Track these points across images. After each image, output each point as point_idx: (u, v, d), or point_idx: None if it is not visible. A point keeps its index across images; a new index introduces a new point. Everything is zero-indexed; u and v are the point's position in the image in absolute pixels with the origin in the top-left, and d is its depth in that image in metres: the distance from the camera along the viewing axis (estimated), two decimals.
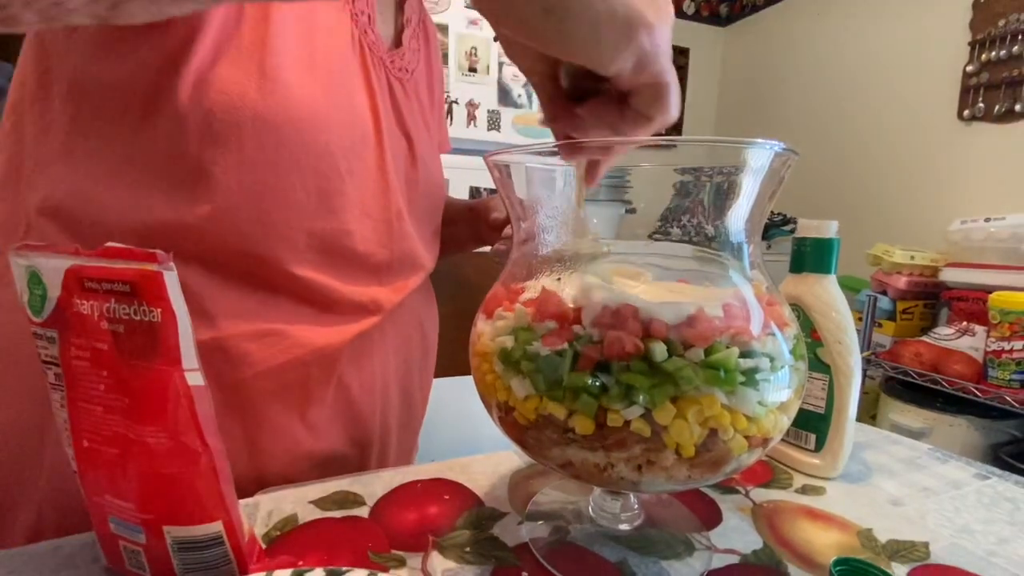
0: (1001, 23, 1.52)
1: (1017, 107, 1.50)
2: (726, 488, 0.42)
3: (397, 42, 0.52)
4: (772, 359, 0.25)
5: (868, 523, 0.38)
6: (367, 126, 0.45)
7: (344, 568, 0.27)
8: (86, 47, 0.38)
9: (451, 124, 1.31)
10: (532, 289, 0.30)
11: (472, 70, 1.33)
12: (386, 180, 0.47)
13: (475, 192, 1.37)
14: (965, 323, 1.32)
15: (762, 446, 0.26)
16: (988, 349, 1.17)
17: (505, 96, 1.37)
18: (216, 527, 0.26)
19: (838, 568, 0.30)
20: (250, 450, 0.42)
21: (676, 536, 0.35)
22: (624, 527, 0.35)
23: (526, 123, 1.36)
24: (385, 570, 0.31)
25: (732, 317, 0.25)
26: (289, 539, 0.34)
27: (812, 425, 0.45)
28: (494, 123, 1.35)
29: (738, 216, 0.25)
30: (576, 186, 0.28)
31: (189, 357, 0.23)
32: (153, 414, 0.24)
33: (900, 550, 0.35)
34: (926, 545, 0.35)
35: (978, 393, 1.17)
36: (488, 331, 0.30)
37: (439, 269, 0.88)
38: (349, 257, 0.45)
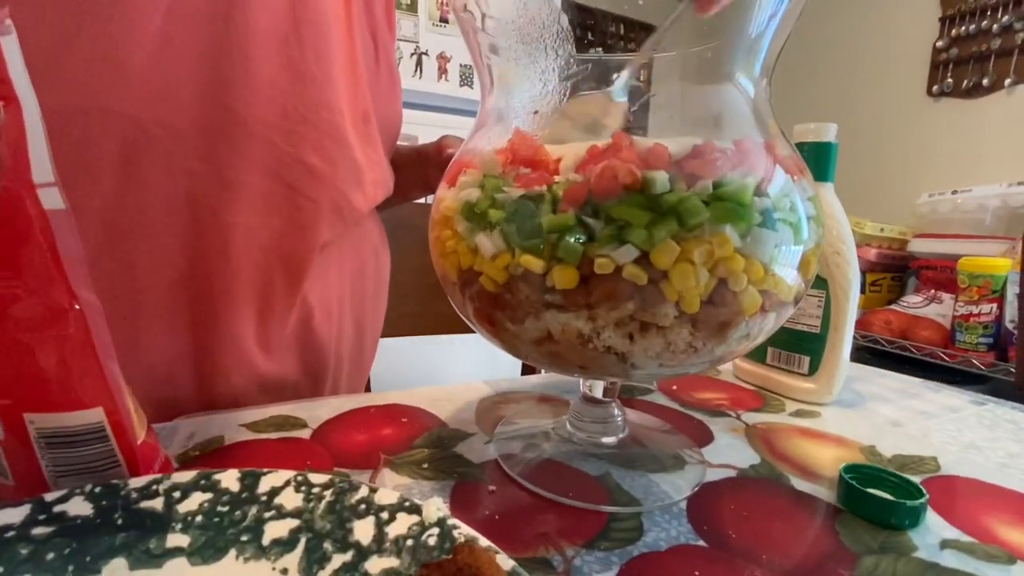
0: None
1: (984, 81, 1.52)
2: (715, 412, 0.38)
3: None
4: (792, 203, 0.21)
5: (870, 441, 0.34)
6: (339, 7, 0.40)
7: (265, 470, 0.22)
8: None
9: (420, 78, 1.23)
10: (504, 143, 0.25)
11: (444, 21, 1.25)
12: (356, 71, 0.42)
13: None
14: (933, 291, 1.33)
15: (776, 312, 0.22)
16: (956, 314, 1.18)
17: None
18: (95, 415, 0.20)
19: (850, 475, 0.27)
20: (196, 358, 0.37)
21: (665, 452, 0.31)
22: (608, 440, 0.30)
23: None
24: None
25: (745, 152, 0.21)
26: (209, 459, 0.28)
27: (805, 347, 0.41)
28: (467, 79, 1.27)
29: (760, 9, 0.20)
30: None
31: (42, 167, 0.17)
32: (1, 256, 0.18)
33: (908, 463, 0.32)
34: (935, 459, 0.32)
35: (946, 358, 1.18)
36: (449, 196, 0.25)
37: (408, 222, 0.82)
38: (329, 133, 0.39)
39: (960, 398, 0.44)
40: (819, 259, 0.23)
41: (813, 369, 0.41)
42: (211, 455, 0.29)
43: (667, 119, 0.23)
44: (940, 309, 1.28)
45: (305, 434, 0.32)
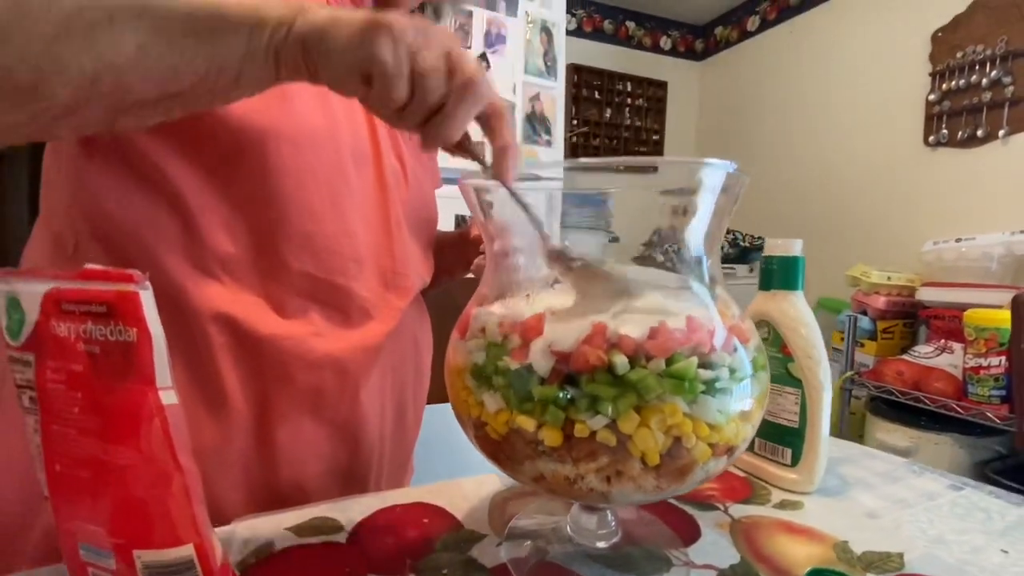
0: (959, 55, 1.60)
1: (979, 132, 1.57)
2: (705, 505, 0.42)
3: None
4: (733, 370, 0.26)
5: (844, 535, 0.38)
6: (367, 144, 0.49)
7: None
8: None
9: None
10: (504, 307, 0.31)
11: None
12: (385, 191, 0.50)
13: (460, 220, 1.39)
14: (943, 341, 1.34)
15: (727, 455, 0.27)
16: (966, 366, 1.19)
17: None
18: (187, 551, 0.26)
19: None
20: (263, 455, 0.44)
21: (654, 553, 0.35)
22: (601, 544, 0.35)
23: None
24: None
25: (693, 330, 0.26)
26: (265, 567, 0.34)
27: (787, 440, 0.45)
28: None
29: (697, 231, 0.27)
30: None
31: (163, 376, 0.24)
32: (127, 434, 0.24)
33: (875, 561, 0.35)
34: (900, 556, 0.36)
35: (960, 410, 1.19)
36: (461, 349, 0.31)
37: (431, 301, 0.88)
38: (352, 256, 0.47)
39: (939, 483, 0.47)
40: (765, 405, 0.28)
41: (795, 460, 0.45)
42: (266, 561, 0.34)
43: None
44: (951, 359, 1.29)
45: (341, 538, 0.37)
